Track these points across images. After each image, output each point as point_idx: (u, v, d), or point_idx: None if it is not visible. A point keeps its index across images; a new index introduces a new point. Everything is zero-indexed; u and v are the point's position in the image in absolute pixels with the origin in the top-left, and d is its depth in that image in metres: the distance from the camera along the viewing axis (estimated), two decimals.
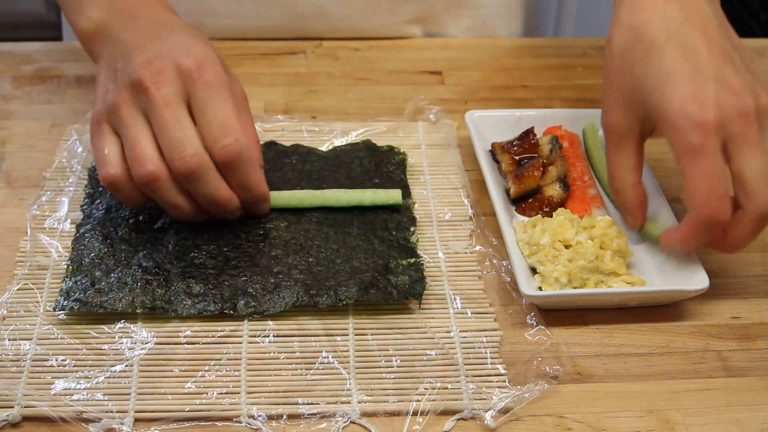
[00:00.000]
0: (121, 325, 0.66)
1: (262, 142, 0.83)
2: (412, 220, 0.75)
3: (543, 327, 0.68)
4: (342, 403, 0.62)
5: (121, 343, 0.65)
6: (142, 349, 0.65)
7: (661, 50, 0.68)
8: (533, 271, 0.71)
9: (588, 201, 0.78)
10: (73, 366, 0.63)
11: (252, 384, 0.63)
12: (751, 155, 0.65)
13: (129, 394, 0.62)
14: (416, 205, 0.78)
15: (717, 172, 0.64)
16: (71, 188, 0.79)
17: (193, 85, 0.67)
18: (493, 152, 0.82)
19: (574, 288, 0.69)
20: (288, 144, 0.83)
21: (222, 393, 0.62)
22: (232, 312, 0.67)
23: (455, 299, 0.70)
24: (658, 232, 0.72)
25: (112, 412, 0.60)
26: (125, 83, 0.67)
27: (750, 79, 0.67)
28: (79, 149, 0.83)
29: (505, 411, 0.61)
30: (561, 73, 0.99)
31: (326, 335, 0.66)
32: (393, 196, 0.75)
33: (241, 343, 0.66)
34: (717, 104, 0.64)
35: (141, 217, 0.74)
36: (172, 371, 0.63)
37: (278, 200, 0.74)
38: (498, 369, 0.64)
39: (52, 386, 0.62)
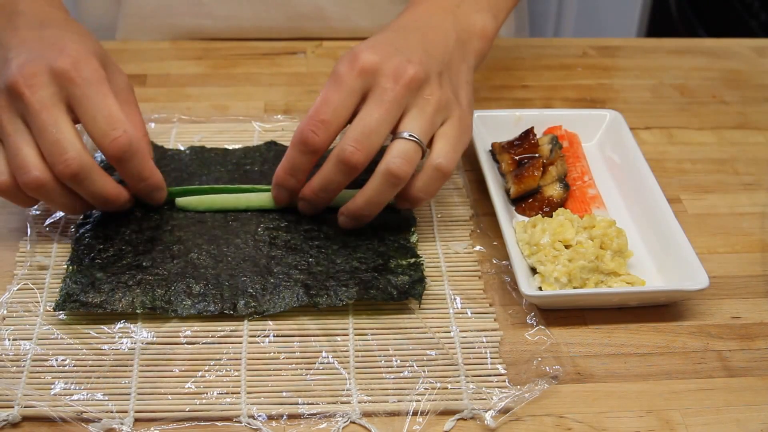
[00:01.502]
0: (121, 325, 0.66)
1: (262, 142, 0.83)
2: (412, 220, 0.75)
3: (543, 327, 0.68)
4: (342, 403, 0.62)
5: (121, 343, 0.65)
6: (142, 349, 0.65)
7: (382, 31, 0.73)
8: (533, 271, 0.71)
9: (588, 201, 0.78)
10: (73, 366, 0.63)
11: (252, 384, 0.63)
12: (373, 108, 0.67)
13: (129, 394, 0.62)
14: None
15: (335, 101, 0.67)
16: None
17: (70, 85, 0.66)
18: (493, 152, 0.82)
19: (574, 288, 0.69)
20: (288, 144, 0.83)
21: (222, 393, 0.62)
22: (232, 312, 0.67)
23: (455, 299, 0.70)
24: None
25: (112, 412, 0.60)
26: (1, 89, 0.67)
27: (444, 84, 0.70)
28: None
29: (505, 411, 0.61)
30: (561, 73, 0.99)
31: (326, 335, 0.66)
32: None
33: (241, 343, 0.66)
34: (383, 58, 0.68)
35: (141, 217, 0.74)
36: (172, 371, 0.63)
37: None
38: (498, 369, 0.64)
39: (52, 386, 0.62)
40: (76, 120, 0.67)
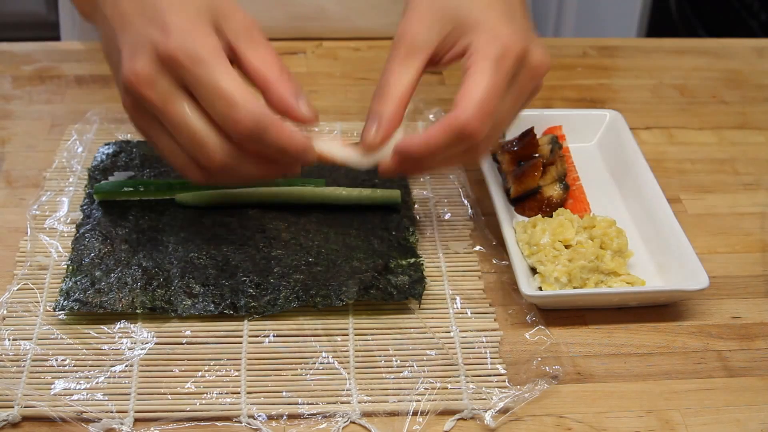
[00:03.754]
0: (121, 325, 0.66)
1: None
2: (412, 220, 0.75)
3: (543, 327, 0.68)
4: (342, 403, 0.62)
5: (121, 343, 0.65)
6: (142, 349, 0.65)
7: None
8: (533, 271, 0.71)
9: (587, 201, 0.78)
10: (73, 366, 0.63)
11: (252, 384, 0.63)
12: (515, 102, 0.67)
13: (129, 394, 0.62)
14: (416, 205, 0.78)
15: (500, 95, 0.65)
16: (71, 188, 0.79)
17: (181, 69, 0.60)
18: (493, 152, 0.82)
19: (574, 288, 0.69)
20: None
21: (222, 393, 0.62)
22: (232, 312, 0.67)
23: (455, 299, 0.70)
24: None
25: (112, 412, 0.60)
26: (124, 89, 0.62)
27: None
28: (79, 149, 0.83)
29: (505, 411, 0.61)
30: (561, 73, 0.99)
31: (326, 335, 0.66)
32: (392, 195, 0.75)
33: (241, 343, 0.66)
34: (526, 43, 0.66)
35: (141, 218, 0.74)
36: (172, 371, 0.63)
37: (278, 196, 0.74)
38: (498, 369, 0.64)
39: (52, 386, 0.62)
40: None
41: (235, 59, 0.63)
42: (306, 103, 0.63)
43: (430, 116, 0.89)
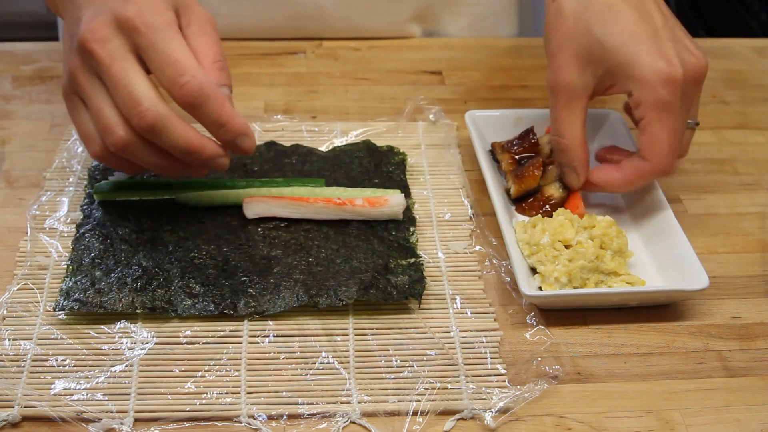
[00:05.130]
0: (121, 325, 0.66)
1: (262, 143, 0.83)
2: (412, 220, 0.75)
3: (543, 327, 0.68)
4: (342, 403, 0.62)
5: (121, 343, 0.65)
6: (142, 349, 0.65)
7: (620, 11, 0.71)
8: (533, 271, 0.71)
9: (582, 205, 0.78)
10: (73, 366, 0.63)
11: (252, 384, 0.63)
12: (681, 120, 0.70)
13: (129, 394, 0.62)
14: (416, 205, 0.78)
15: (681, 128, 0.70)
16: (71, 188, 0.79)
17: (135, 34, 0.63)
18: (493, 152, 0.82)
19: (574, 288, 0.69)
20: (288, 144, 0.83)
21: (222, 393, 0.62)
22: (232, 312, 0.67)
23: (455, 299, 0.70)
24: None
25: (112, 412, 0.60)
26: (75, 49, 0.65)
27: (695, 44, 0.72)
28: (79, 149, 0.83)
29: (504, 411, 0.61)
30: None
31: (326, 335, 0.66)
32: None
33: (241, 343, 0.66)
34: (682, 62, 0.69)
35: (141, 218, 0.74)
36: (172, 371, 0.63)
37: (281, 195, 0.74)
38: (498, 369, 0.64)
39: (52, 386, 0.62)
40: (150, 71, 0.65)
41: None
42: (228, 94, 0.66)
43: (430, 116, 0.89)
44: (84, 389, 0.62)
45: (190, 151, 0.65)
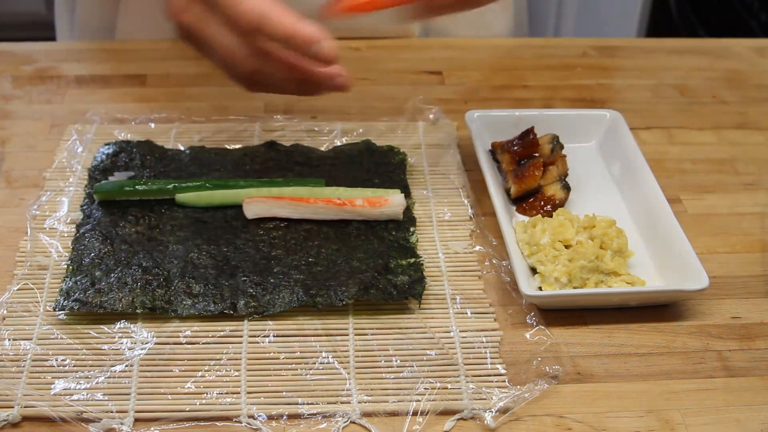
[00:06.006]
0: (121, 325, 0.66)
1: (262, 142, 0.83)
2: (412, 220, 0.75)
3: (543, 327, 0.68)
4: (342, 403, 0.62)
5: (121, 343, 0.65)
6: (142, 349, 0.65)
7: None
8: (533, 271, 0.71)
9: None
10: (73, 366, 0.63)
11: (252, 384, 0.63)
12: None
13: (129, 394, 0.62)
14: (416, 205, 0.78)
15: None
16: (71, 188, 0.79)
17: None
18: (493, 152, 0.82)
19: (574, 288, 0.69)
20: (288, 144, 0.83)
21: (222, 393, 0.62)
22: (232, 312, 0.67)
23: (455, 299, 0.70)
24: None
25: (112, 412, 0.60)
26: (174, 26, 0.71)
27: None
28: (79, 149, 0.83)
29: (504, 411, 0.61)
30: (561, 73, 0.99)
31: (326, 335, 0.66)
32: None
33: (241, 343, 0.66)
34: None
35: (141, 218, 0.74)
36: (172, 371, 0.63)
37: (281, 195, 0.74)
38: (498, 369, 0.64)
39: (52, 386, 0.62)
40: None
41: None
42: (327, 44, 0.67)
43: (430, 116, 0.89)
44: (84, 389, 0.62)
45: (290, 35, 0.65)
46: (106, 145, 0.82)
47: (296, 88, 0.71)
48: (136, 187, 0.76)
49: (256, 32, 0.67)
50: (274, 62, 0.69)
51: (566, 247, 0.71)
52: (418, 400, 0.62)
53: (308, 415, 0.61)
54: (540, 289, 0.69)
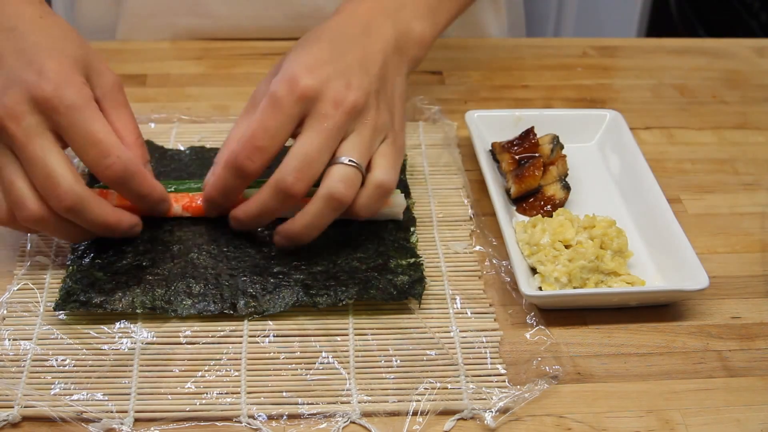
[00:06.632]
0: (121, 325, 0.66)
1: None
2: (412, 220, 0.75)
3: (543, 327, 0.68)
4: (342, 403, 0.62)
5: (121, 343, 0.65)
6: (142, 349, 0.65)
7: (319, 38, 0.71)
8: (533, 271, 0.71)
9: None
10: (73, 366, 0.63)
11: (252, 384, 0.63)
12: (313, 136, 0.66)
13: (129, 394, 0.62)
14: (416, 205, 0.78)
15: (273, 128, 0.66)
16: None
17: (55, 114, 0.63)
18: (493, 152, 0.82)
19: (574, 288, 0.69)
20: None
21: (222, 393, 0.62)
22: (232, 312, 0.67)
23: (455, 299, 0.70)
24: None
25: (112, 412, 0.60)
26: None
27: (381, 104, 0.69)
28: None
29: (504, 411, 0.61)
30: (561, 73, 0.99)
31: (326, 335, 0.66)
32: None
33: (241, 343, 0.66)
34: (323, 83, 0.66)
35: (141, 218, 0.74)
36: (172, 371, 0.63)
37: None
38: (498, 369, 0.64)
39: (52, 386, 0.62)
40: (66, 145, 0.65)
41: None
42: (150, 171, 0.69)
43: (431, 116, 0.89)
44: (84, 389, 0.62)
45: (108, 227, 0.67)
46: None
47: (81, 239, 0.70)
48: None
49: (115, 185, 0.66)
50: (70, 224, 0.66)
51: (566, 247, 0.71)
52: (418, 400, 0.62)
53: (308, 415, 0.61)
54: (540, 289, 0.69)
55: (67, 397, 0.61)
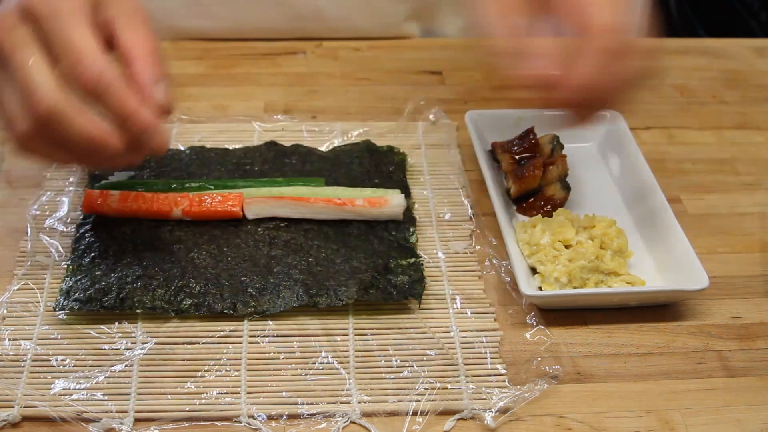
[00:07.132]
0: (121, 325, 0.66)
1: (262, 142, 0.83)
2: (412, 220, 0.75)
3: (543, 327, 0.68)
4: (342, 403, 0.62)
5: (121, 343, 0.65)
6: (142, 349, 0.65)
7: None
8: (533, 271, 0.71)
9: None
10: (73, 366, 0.63)
11: (252, 384, 0.63)
12: None
13: (129, 394, 0.62)
14: (416, 205, 0.78)
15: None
16: (71, 188, 0.79)
17: (40, 20, 0.60)
18: (493, 152, 0.82)
19: (574, 288, 0.69)
20: (288, 144, 0.83)
21: (222, 393, 0.62)
22: (232, 312, 0.67)
23: (455, 299, 0.70)
24: None
25: (112, 412, 0.60)
26: None
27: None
28: None
29: (504, 411, 0.61)
30: None
31: (326, 335, 0.66)
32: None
33: (241, 343, 0.66)
34: None
35: (141, 218, 0.74)
36: (172, 371, 0.63)
37: (281, 195, 0.74)
38: (498, 369, 0.64)
39: (52, 386, 0.62)
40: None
41: (112, 39, 0.62)
42: (164, 90, 0.62)
43: (430, 116, 0.89)
44: (84, 389, 0.62)
45: (90, 144, 0.60)
46: None
47: (83, 164, 0.65)
48: (136, 187, 0.76)
49: (90, 95, 0.60)
50: (60, 143, 0.61)
51: (566, 247, 0.71)
52: (418, 400, 0.62)
53: (308, 415, 0.61)
54: (540, 289, 0.69)
55: (67, 396, 0.61)
